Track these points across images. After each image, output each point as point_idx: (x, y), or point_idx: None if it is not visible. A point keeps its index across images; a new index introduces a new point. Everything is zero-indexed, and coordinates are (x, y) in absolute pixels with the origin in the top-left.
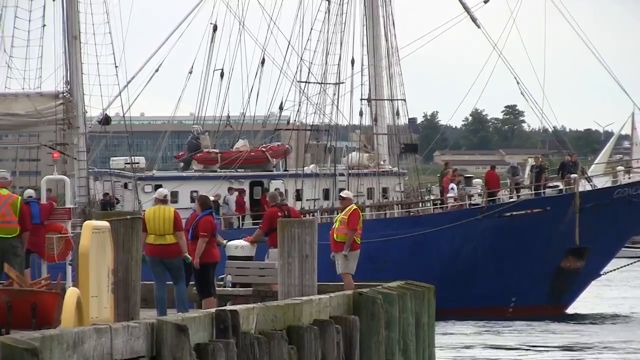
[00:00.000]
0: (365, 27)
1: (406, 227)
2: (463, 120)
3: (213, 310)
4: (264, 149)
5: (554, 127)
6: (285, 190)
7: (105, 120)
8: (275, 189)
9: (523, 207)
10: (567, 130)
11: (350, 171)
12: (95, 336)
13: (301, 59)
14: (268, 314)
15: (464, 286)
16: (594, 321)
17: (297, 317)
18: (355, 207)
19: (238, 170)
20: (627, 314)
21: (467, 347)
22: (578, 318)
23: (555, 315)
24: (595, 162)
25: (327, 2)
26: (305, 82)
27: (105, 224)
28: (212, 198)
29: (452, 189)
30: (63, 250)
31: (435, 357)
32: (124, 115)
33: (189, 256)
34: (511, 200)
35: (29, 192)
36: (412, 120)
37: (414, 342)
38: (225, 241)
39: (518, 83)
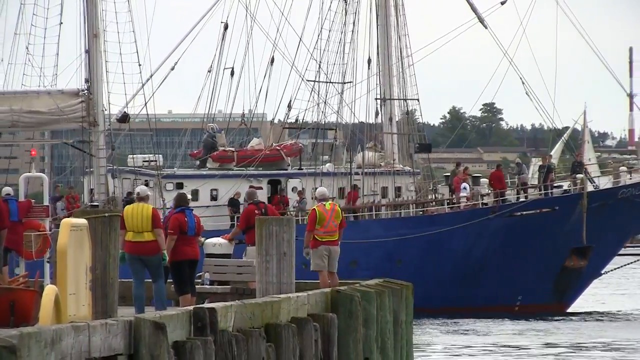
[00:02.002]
0: (376, 26)
1: (421, 226)
2: (441, 118)
3: (191, 308)
4: (278, 148)
5: (555, 127)
6: (303, 189)
7: (124, 118)
8: (292, 188)
9: (532, 206)
10: (545, 128)
11: (365, 170)
12: (73, 334)
13: (312, 56)
14: (246, 312)
15: (475, 284)
16: (594, 319)
17: (275, 315)
18: (314, 207)
19: (249, 169)
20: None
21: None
22: (579, 316)
23: (558, 313)
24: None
25: (344, 2)
26: (314, 80)
27: (83, 221)
28: (232, 196)
29: (464, 188)
30: (41, 248)
31: (413, 355)
32: (147, 114)
33: (167, 254)
34: (519, 199)
35: (7, 189)
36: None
37: (391, 340)
38: (203, 239)
39: (523, 83)
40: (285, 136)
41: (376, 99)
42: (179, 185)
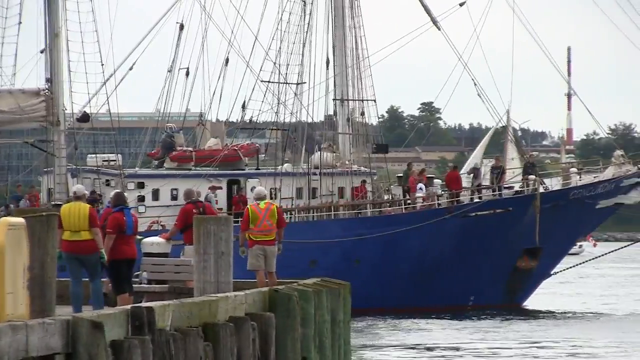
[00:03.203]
0: (332, 27)
1: (378, 226)
2: (379, 118)
3: (129, 307)
4: (236, 148)
5: (508, 127)
6: None
7: (84, 117)
8: (251, 188)
9: (487, 207)
10: (484, 127)
11: (323, 170)
12: (11, 333)
13: (267, 55)
14: (183, 311)
15: (430, 284)
16: (547, 318)
17: (213, 314)
18: (247, 206)
19: (199, 168)
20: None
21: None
22: (531, 315)
23: (508, 313)
24: (472, 156)
25: (302, 2)
26: (268, 81)
27: (20, 220)
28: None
29: (420, 189)
30: None
31: (350, 354)
32: (110, 113)
33: (104, 253)
34: (475, 200)
35: None
36: (329, 118)
37: (329, 339)
38: (139, 237)
39: (475, 85)
40: (224, 136)
41: (334, 99)
42: (140, 185)
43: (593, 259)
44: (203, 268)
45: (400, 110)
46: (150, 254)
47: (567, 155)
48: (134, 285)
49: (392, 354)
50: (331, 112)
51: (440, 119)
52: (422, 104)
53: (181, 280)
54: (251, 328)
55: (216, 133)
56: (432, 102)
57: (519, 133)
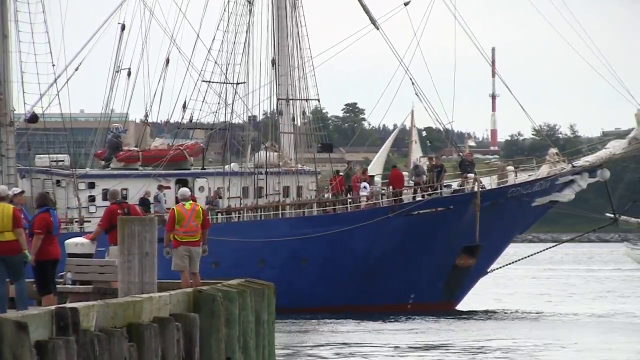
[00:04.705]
0: (274, 27)
1: (324, 225)
2: (304, 119)
3: (53, 307)
4: (181, 148)
5: (443, 127)
6: (210, 188)
7: (33, 118)
8: (199, 187)
9: (429, 205)
10: (407, 128)
11: (270, 170)
12: None
13: (209, 54)
14: (108, 312)
15: (373, 283)
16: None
17: (137, 315)
18: (173, 207)
19: (147, 169)
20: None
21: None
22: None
23: (447, 311)
24: (377, 156)
25: (248, 3)
26: (208, 81)
27: None
28: (143, 195)
29: (364, 187)
30: None
31: (275, 354)
32: (62, 113)
33: (28, 254)
34: (418, 199)
35: None
36: (253, 118)
37: (254, 339)
38: None
39: (413, 84)
40: (147, 136)
41: (279, 99)
42: (91, 185)
43: (523, 258)
44: (127, 268)
45: (324, 111)
46: (75, 255)
47: (490, 156)
48: (57, 285)
49: (320, 353)
50: (256, 113)
51: (364, 119)
52: (346, 104)
53: (106, 281)
54: (175, 329)
55: (138, 134)
56: (356, 103)
57: (443, 134)
